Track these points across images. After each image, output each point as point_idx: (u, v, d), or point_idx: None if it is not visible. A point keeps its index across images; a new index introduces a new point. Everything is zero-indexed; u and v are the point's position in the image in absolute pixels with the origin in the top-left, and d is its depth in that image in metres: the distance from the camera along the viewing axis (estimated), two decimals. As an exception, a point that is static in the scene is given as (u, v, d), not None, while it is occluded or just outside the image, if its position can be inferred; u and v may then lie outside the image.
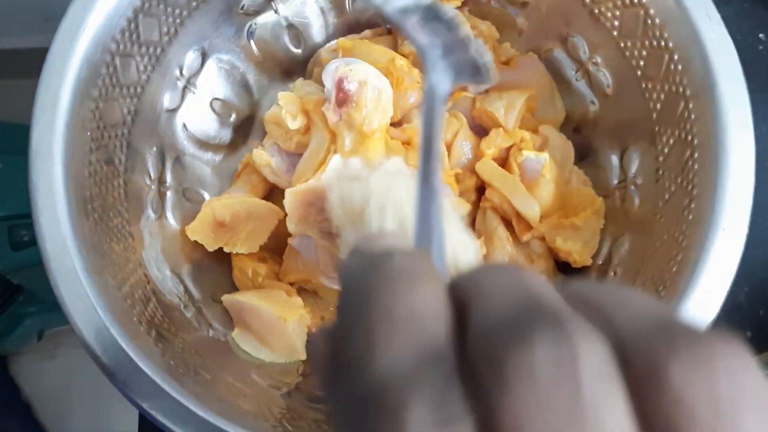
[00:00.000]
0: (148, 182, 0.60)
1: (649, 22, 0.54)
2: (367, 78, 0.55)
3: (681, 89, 0.52)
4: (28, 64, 0.64)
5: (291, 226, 0.56)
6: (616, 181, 0.60)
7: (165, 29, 0.58)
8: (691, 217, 0.50)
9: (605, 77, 0.61)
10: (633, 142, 0.58)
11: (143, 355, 0.48)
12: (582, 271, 0.59)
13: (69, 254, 0.49)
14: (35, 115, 0.50)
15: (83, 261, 0.49)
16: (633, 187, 0.58)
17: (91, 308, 0.48)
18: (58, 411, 0.67)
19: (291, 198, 0.54)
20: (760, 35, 0.71)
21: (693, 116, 0.51)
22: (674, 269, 0.49)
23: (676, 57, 0.53)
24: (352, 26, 0.69)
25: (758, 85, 0.50)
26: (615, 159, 0.60)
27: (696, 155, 0.51)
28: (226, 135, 0.67)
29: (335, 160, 0.55)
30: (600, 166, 0.62)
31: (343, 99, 0.55)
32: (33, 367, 0.69)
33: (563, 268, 0.60)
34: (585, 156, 0.63)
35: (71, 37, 0.52)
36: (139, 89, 0.58)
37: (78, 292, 0.49)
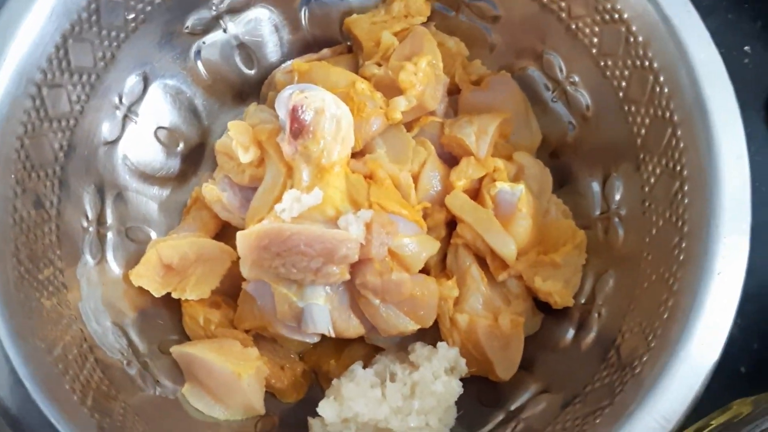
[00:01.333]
0: (85, 224, 0.54)
1: (632, 39, 0.50)
2: (324, 105, 0.50)
3: (668, 114, 0.48)
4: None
5: (245, 270, 0.50)
6: (598, 212, 0.55)
7: (100, 54, 0.53)
8: (682, 257, 0.45)
9: (584, 97, 0.56)
10: (615, 168, 0.54)
11: (76, 429, 0.43)
12: (564, 312, 0.54)
13: (-11, 318, 0.44)
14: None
15: (6, 324, 0.44)
16: (617, 219, 0.53)
17: (14, 379, 0.43)
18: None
19: (243, 242, 0.49)
20: (746, 48, 0.67)
21: (682, 144, 0.47)
22: (665, 316, 0.44)
23: (662, 79, 0.48)
24: (309, 44, 0.63)
25: (744, 101, 0.46)
26: (596, 186, 0.56)
27: (686, 188, 0.46)
28: (174, 166, 0.61)
29: (290, 195, 0.50)
30: (580, 194, 0.57)
31: (298, 130, 0.50)
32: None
33: (543, 307, 0.55)
34: (564, 182, 0.58)
35: (-13, 71, 0.47)
36: (72, 122, 0.52)
37: None
